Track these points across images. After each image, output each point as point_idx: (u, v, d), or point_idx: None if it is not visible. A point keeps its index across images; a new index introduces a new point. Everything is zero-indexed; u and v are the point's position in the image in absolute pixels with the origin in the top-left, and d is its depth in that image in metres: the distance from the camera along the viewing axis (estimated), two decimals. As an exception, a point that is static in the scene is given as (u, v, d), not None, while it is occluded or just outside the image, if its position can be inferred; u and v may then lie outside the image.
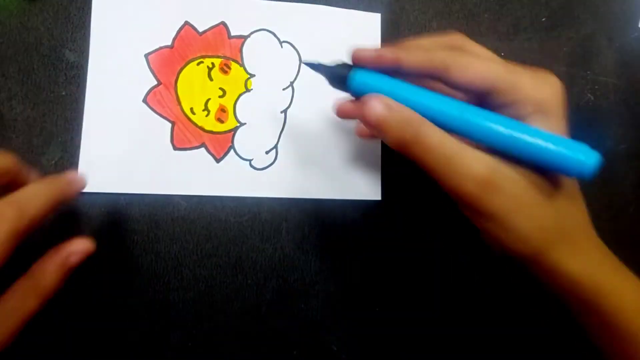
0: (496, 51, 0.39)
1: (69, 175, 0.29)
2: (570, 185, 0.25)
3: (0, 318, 0.26)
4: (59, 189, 0.28)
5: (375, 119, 0.24)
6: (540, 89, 0.24)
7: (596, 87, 0.40)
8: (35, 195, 0.26)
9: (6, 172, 0.27)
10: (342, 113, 0.29)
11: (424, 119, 0.24)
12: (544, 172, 0.24)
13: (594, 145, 0.39)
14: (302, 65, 0.36)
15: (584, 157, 0.22)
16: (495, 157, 0.24)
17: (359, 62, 0.27)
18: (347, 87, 0.27)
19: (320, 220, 0.36)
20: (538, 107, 0.24)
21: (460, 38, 0.28)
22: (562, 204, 0.25)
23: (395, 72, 0.26)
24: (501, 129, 0.23)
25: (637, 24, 0.42)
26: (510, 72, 0.25)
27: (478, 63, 0.25)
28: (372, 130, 0.25)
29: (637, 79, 0.41)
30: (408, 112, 0.24)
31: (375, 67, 0.26)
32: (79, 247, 0.28)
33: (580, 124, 0.39)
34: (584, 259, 0.25)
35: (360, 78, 0.26)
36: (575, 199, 0.26)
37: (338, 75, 0.27)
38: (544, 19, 0.40)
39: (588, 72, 0.40)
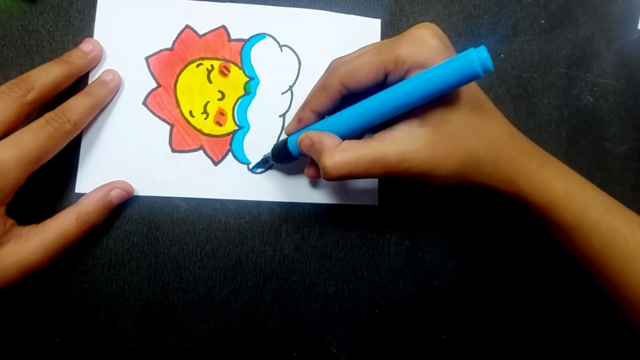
0: (495, 53, 0.39)
1: (74, 53, 0.33)
2: (473, 101, 0.28)
3: (42, 235, 0.30)
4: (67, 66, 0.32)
5: (306, 148, 0.29)
6: (417, 53, 0.26)
7: (595, 88, 0.40)
8: (46, 73, 0.31)
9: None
10: (309, 172, 0.33)
11: (334, 145, 0.27)
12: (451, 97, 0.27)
13: (592, 146, 0.39)
14: (301, 72, 0.37)
15: (470, 58, 0.23)
16: (402, 131, 0.27)
17: (290, 134, 0.32)
18: (292, 154, 0.31)
19: (319, 223, 0.36)
20: (424, 67, 0.26)
21: (334, 61, 0.30)
22: (469, 131, 0.27)
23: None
24: (387, 99, 0.26)
25: (636, 25, 0.42)
26: (384, 52, 0.27)
27: (357, 65, 0.28)
28: (313, 156, 0.29)
29: (636, 81, 0.41)
30: (326, 139, 0.28)
31: (304, 128, 0.31)
32: (122, 185, 0.33)
33: (580, 125, 0.40)
34: (501, 169, 0.28)
35: (292, 140, 0.31)
36: (479, 114, 0.28)
37: (279, 152, 0.33)
38: (543, 21, 0.41)
39: (587, 74, 0.40)
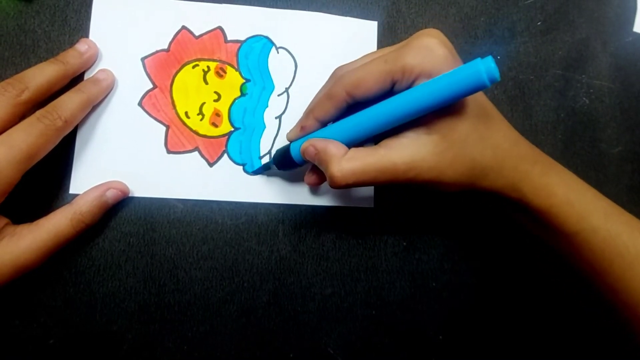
0: (492, 54, 0.40)
1: (69, 53, 0.33)
2: (479, 109, 0.28)
3: (35, 234, 0.29)
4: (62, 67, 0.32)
5: (310, 156, 0.29)
6: (424, 62, 0.26)
7: (591, 90, 0.40)
8: (40, 72, 0.30)
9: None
10: (309, 179, 0.32)
11: (340, 154, 0.27)
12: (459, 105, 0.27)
13: (587, 148, 0.40)
14: (297, 74, 0.37)
15: (477, 69, 0.24)
16: (409, 139, 0.27)
17: (292, 140, 0.32)
18: (294, 161, 0.31)
19: (316, 224, 0.36)
20: (431, 76, 0.26)
21: (338, 69, 0.30)
22: (475, 139, 0.27)
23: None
24: (394, 107, 0.26)
25: (631, 28, 0.42)
26: (391, 61, 0.27)
27: (363, 74, 0.27)
28: (318, 164, 0.29)
29: (631, 83, 0.41)
30: (331, 147, 0.28)
31: (307, 135, 0.31)
32: (117, 185, 0.33)
33: (576, 126, 0.40)
34: (504, 175, 0.28)
35: (294, 147, 0.31)
36: (484, 121, 0.28)
37: (281, 159, 0.32)
38: (539, 23, 0.41)
39: (583, 76, 0.41)
